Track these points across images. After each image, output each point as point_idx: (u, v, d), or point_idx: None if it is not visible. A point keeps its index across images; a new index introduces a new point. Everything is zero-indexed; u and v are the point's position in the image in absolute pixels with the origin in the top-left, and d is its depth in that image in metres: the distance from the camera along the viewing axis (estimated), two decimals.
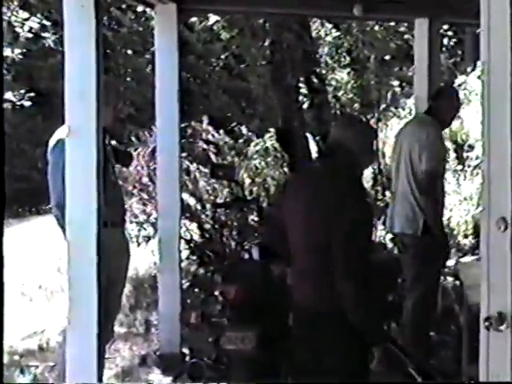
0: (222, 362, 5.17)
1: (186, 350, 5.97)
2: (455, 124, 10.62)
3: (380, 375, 3.68)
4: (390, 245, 8.06)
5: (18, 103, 15.36)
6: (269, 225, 4.17)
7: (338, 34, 10.46)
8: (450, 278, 7.03)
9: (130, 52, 15.84)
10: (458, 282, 6.57)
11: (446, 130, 7.18)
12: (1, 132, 2.34)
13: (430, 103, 6.10)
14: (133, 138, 10.37)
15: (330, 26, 10.99)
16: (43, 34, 14.80)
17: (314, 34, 9.82)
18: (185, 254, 8.24)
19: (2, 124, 2.43)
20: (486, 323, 2.69)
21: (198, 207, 8.65)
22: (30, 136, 14.50)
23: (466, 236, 8.82)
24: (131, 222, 8.53)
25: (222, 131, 10.05)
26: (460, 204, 9.04)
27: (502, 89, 2.71)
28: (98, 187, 4.04)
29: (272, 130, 9.74)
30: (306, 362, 3.85)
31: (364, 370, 3.66)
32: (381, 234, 8.32)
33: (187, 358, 5.69)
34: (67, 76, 4.13)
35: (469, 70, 12.32)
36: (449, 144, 10.22)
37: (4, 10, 13.71)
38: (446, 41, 12.24)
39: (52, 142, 4.96)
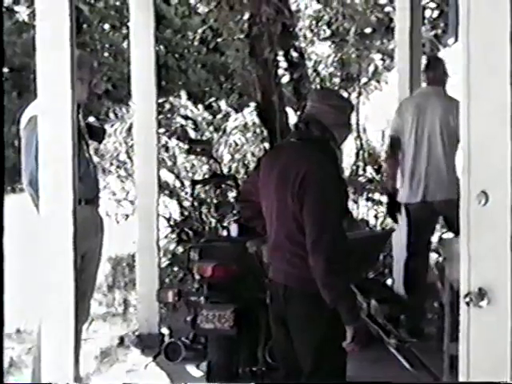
0: (199, 341, 5.12)
1: (164, 330, 5.93)
2: None
3: (353, 354, 3.62)
4: (372, 221, 8.04)
5: None
6: (245, 201, 4.11)
7: (318, 6, 10.36)
8: (432, 254, 7.00)
9: (106, 27, 15.68)
10: (440, 259, 6.55)
11: None
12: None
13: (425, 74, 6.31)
14: (110, 115, 10.25)
15: None
16: (16, 8, 14.61)
17: (293, 7, 9.72)
18: (165, 232, 8.19)
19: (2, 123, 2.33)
20: (466, 299, 2.65)
21: (177, 184, 8.58)
22: (5, 113, 14.33)
23: None
24: (109, 199, 8.44)
25: (200, 106, 9.96)
26: None
27: (481, 62, 2.65)
28: (72, 164, 3.95)
29: (252, 104, 9.66)
30: (281, 340, 3.82)
31: (339, 348, 3.60)
32: (363, 210, 8.29)
33: (166, 338, 5.64)
34: (39, 50, 4.03)
35: (451, 42, 12.28)
36: None
37: None
38: (428, 13, 12.16)
39: (24, 119, 4.86)
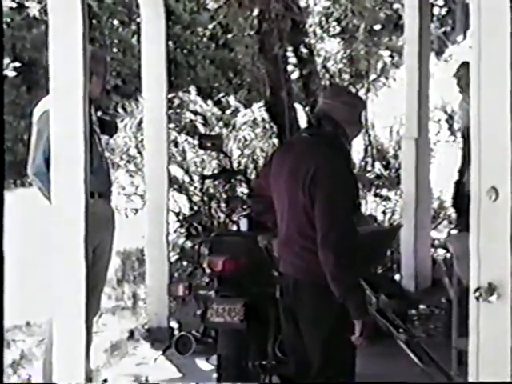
0: (209, 335, 5.14)
1: (174, 324, 5.95)
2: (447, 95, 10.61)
3: (362, 348, 3.65)
4: (380, 217, 8.05)
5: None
6: (256, 196, 4.13)
7: (327, 3, 10.37)
8: (440, 251, 7.03)
9: (115, 22, 15.70)
10: (448, 255, 6.57)
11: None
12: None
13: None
14: (119, 110, 10.28)
15: None
16: (27, 4, 14.62)
17: (302, 3, 9.73)
18: (174, 226, 8.21)
19: (2, 124, 2.36)
20: (476, 294, 2.67)
21: (186, 179, 8.61)
22: (14, 108, 14.36)
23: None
24: (119, 194, 8.47)
25: (209, 102, 9.98)
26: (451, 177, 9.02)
27: (492, 57, 2.67)
28: (84, 158, 3.97)
29: (261, 101, 9.68)
30: (291, 334, 3.85)
31: (349, 342, 3.63)
32: (371, 206, 8.30)
33: (175, 332, 5.67)
34: (51, 45, 4.05)
35: (459, 39, 12.27)
36: (441, 115, 10.21)
37: None
38: (436, 10, 12.16)
39: (37, 112, 4.89)
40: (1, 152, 2.17)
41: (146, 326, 6.31)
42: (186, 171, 8.68)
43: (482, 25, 2.70)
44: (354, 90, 9.44)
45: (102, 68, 4.99)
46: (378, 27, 10.74)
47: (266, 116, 9.38)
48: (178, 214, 8.42)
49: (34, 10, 14.59)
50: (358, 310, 3.59)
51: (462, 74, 6.46)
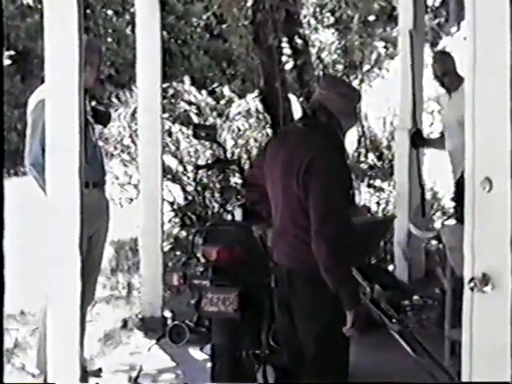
0: (203, 324, 5.15)
1: (167, 313, 5.96)
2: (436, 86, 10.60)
3: (355, 338, 3.67)
4: (374, 207, 8.06)
5: None
6: (251, 186, 4.14)
7: None
8: (433, 242, 7.03)
9: (109, 12, 15.65)
10: (441, 246, 6.57)
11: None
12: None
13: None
14: (114, 99, 10.26)
15: None
16: None
17: None
18: (168, 216, 8.22)
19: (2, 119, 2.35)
20: (471, 284, 2.68)
21: (180, 169, 8.61)
22: (8, 97, 14.31)
23: (452, 199, 8.79)
24: (113, 184, 8.47)
25: (203, 92, 9.97)
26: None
27: (487, 48, 2.68)
28: (79, 147, 3.97)
29: (256, 91, 9.67)
30: (285, 324, 3.86)
31: (342, 332, 3.64)
32: (365, 196, 8.31)
33: (169, 321, 5.68)
34: (47, 34, 4.04)
35: (453, 30, 12.26)
36: (434, 106, 10.19)
37: None
38: (430, 1, 12.16)
39: (32, 102, 4.88)
40: (1, 146, 2.17)
41: (140, 316, 6.32)
42: (180, 161, 8.68)
43: (476, 16, 2.71)
44: (348, 81, 9.43)
45: (96, 58, 4.98)
46: (372, 18, 10.74)
47: (260, 106, 9.38)
48: (172, 204, 8.43)
49: None
50: (351, 301, 3.59)
51: (438, 63, 6.41)
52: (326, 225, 3.56)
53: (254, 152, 8.70)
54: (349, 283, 3.62)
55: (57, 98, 3.97)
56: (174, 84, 9.73)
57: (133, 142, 8.73)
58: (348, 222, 3.66)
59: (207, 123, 8.90)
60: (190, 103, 9.44)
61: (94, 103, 5.53)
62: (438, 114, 7.31)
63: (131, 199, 8.64)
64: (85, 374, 4.48)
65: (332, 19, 10.45)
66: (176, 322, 5.18)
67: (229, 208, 5.22)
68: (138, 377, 5.38)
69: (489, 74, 2.69)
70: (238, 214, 5.03)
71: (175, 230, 8.30)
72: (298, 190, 3.64)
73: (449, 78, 6.44)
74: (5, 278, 2.18)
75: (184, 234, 8.10)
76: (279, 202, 3.77)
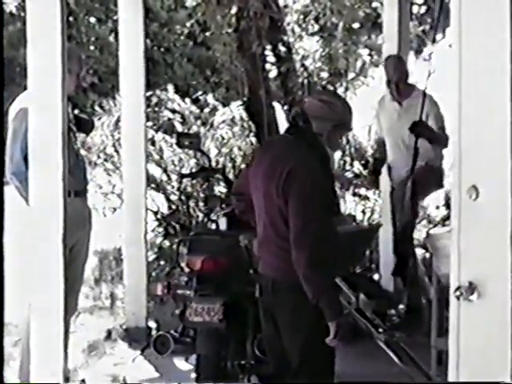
0: (188, 334, 5.12)
1: (152, 323, 5.92)
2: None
3: (339, 349, 3.63)
4: (359, 216, 8.06)
5: None
6: (238, 194, 4.11)
7: (305, 1, 10.37)
8: (419, 250, 7.03)
9: (92, 20, 15.61)
10: (427, 254, 6.57)
11: None
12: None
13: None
14: (97, 107, 10.22)
15: None
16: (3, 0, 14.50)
17: (281, 1, 9.72)
18: (152, 225, 8.18)
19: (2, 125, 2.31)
20: (457, 293, 2.66)
21: (164, 178, 8.58)
22: None
23: (437, 207, 8.81)
24: (96, 193, 8.42)
25: (187, 100, 9.94)
26: None
27: (474, 55, 2.66)
28: (62, 156, 3.94)
29: (240, 100, 9.66)
30: (270, 334, 3.83)
31: (326, 344, 3.61)
32: (350, 205, 8.31)
33: (153, 332, 5.64)
34: (29, 42, 4.01)
35: (438, 38, 12.26)
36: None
37: None
38: (415, 8, 12.19)
39: (13, 110, 4.84)
40: (0, 149, 2.14)
41: (124, 326, 6.28)
42: (164, 170, 8.65)
43: (462, 23, 2.69)
44: (332, 89, 9.44)
45: (75, 65, 4.94)
46: (356, 26, 10.75)
47: (244, 114, 9.36)
48: (156, 213, 8.39)
49: (10, 6, 14.46)
50: (332, 312, 3.55)
51: (389, 67, 6.29)
52: (304, 234, 3.53)
53: (239, 161, 8.68)
54: (329, 294, 3.57)
55: (39, 106, 3.94)
56: (158, 92, 9.71)
57: (116, 150, 8.69)
58: (328, 230, 3.62)
59: (191, 132, 8.88)
60: (173, 111, 9.42)
61: (76, 111, 5.48)
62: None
63: (115, 208, 8.59)
64: None
65: (316, 27, 10.46)
66: (161, 333, 5.15)
67: (213, 217, 5.20)
68: None
69: (474, 80, 2.68)
70: (223, 223, 5.00)
71: (159, 240, 8.25)
72: (278, 199, 3.62)
73: (402, 84, 6.35)
74: (4, 278, 2.14)
75: (168, 243, 8.06)
76: (262, 212, 3.76)
